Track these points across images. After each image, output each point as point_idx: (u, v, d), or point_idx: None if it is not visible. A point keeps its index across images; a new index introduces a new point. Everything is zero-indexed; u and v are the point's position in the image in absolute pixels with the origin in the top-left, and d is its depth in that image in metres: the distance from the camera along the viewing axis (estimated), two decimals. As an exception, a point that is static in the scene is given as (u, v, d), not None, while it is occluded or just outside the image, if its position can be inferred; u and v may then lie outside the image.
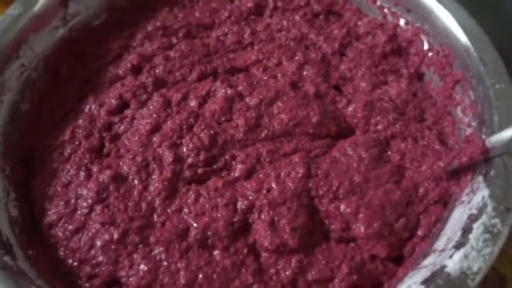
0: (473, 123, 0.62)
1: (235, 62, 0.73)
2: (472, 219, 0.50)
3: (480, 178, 0.55)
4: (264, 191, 0.58)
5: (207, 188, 0.58)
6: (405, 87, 0.70)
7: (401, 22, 0.77)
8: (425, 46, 0.74)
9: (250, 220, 0.56)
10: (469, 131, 0.63)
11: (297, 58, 0.73)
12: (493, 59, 0.64)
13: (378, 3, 0.79)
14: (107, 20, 0.77)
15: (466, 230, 0.50)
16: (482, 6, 0.72)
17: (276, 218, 0.56)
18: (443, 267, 0.47)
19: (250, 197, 0.57)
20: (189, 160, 0.60)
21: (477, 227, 0.49)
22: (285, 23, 0.79)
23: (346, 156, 0.62)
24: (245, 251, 0.54)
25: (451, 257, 0.48)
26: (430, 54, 0.73)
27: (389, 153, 0.63)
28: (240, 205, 0.57)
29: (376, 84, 0.71)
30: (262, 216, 0.56)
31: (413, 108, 0.68)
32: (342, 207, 0.57)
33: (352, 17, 0.80)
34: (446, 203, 0.59)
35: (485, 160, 0.55)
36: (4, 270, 0.46)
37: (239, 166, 0.60)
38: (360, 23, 0.79)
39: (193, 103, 0.66)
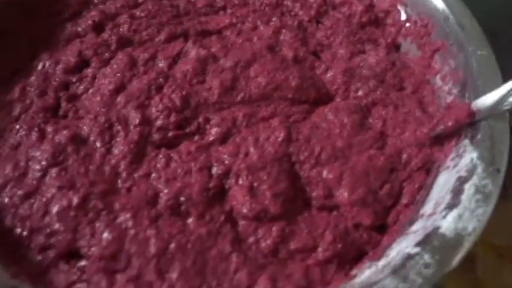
0: (454, 91, 0.61)
1: (207, 25, 0.68)
2: (462, 181, 0.48)
3: (466, 142, 0.53)
4: (242, 155, 0.53)
5: (178, 152, 0.53)
6: (383, 56, 0.68)
7: (379, -8, 0.75)
8: (403, 17, 0.72)
9: (226, 186, 0.52)
10: (449, 99, 0.61)
11: (272, 23, 0.69)
12: (472, 26, 0.62)
13: (354, -28, 0.76)
14: (64, -27, 0.69)
15: (457, 192, 0.47)
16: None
17: (255, 183, 0.51)
18: (437, 228, 0.44)
19: (226, 162, 0.53)
20: (159, 122, 0.55)
21: (468, 188, 0.47)
22: (260, -13, 0.74)
23: (327, 122, 0.58)
24: (222, 218, 0.49)
25: (444, 217, 0.45)
26: (407, 24, 0.71)
27: (370, 120, 0.60)
28: (216, 170, 0.52)
29: (354, 53, 0.68)
30: (240, 182, 0.51)
31: (393, 77, 0.66)
32: (325, 173, 0.54)
33: (328, -14, 0.77)
34: (428, 170, 0.56)
35: (470, 124, 0.54)
36: None
37: (214, 130, 0.56)
38: (336, -8, 0.76)
39: (162, 63, 0.61)
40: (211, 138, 0.55)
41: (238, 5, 0.72)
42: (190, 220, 0.48)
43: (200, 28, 0.67)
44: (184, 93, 0.57)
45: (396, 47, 0.72)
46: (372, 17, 0.73)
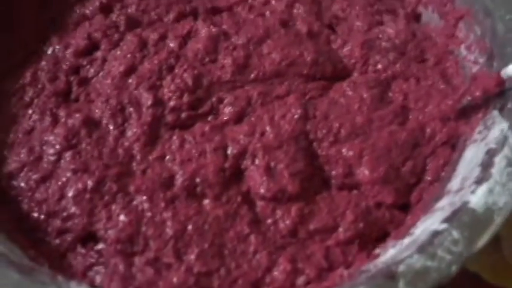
0: (481, 60, 0.57)
1: (217, 2, 0.65)
2: (492, 153, 0.46)
3: (495, 113, 0.50)
4: (257, 135, 0.52)
5: (192, 133, 0.52)
6: (403, 27, 0.65)
7: (396, -41, 0.71)
8: (423, -17, 0.68)
9: (242, 167, 0.50)
10: (475, 69, 0.58)
11: (285, -3, 0.66)
12: (500, -10, 0.59)
13: None
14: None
15: (487, 166, 0.45)
16: None
17: (272, 163, 0.50)
18: (466, 203, 0.42)
19: (241, 142, 0.51)
20: (171, 103, 0.53)
21: (499, 161, 0.44)
22: (271, -39, 0.72)
23: (346, 97, 0.56)
24: (239, 199, 0.48)
25: (473, 192, 0.43)
26: (428, -9, 0.68)
27: (391, 94, 0.58)
28: (231, 150, 0.51)
29: (372, 24, 0.65)
30: (257, 162, 0.50)
31: (414, 48, 0.63)
32: (344, 150, 0.52)
33: (342, -43, 0.74)
34: (454, 145, 0.54)
35: (499, 94, 0.51)
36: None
37: (227, 109, 0.54)
38: (350, -37, 0.73)
39: (172, 43, 0.59)
40: (225, 118, 0.54)
41: (249, -20, 0.70)
42: (206, 201, 0.48)
43: (210, 5, 0.65)
44: (196, 72, 0.55)
45: (416, 17, 0.68)
46: (390, -14, 0.70)
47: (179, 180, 0.48)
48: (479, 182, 0.44)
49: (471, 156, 0.49)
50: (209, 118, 0.54)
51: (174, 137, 0.51)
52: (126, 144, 0.50)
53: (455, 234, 0.41)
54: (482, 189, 0.42)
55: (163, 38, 0.59)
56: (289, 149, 0.51)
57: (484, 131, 0.50)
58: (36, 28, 0.61)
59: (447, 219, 0.42)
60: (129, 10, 0.62)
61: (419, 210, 0.49)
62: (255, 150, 0.51)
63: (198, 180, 0.48)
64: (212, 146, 0.50)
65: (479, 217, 0.41)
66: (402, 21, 0.65)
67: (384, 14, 0.67)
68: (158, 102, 0.53)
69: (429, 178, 0.52)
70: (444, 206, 0.45)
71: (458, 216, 0.41)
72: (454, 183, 0.48)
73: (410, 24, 0.65)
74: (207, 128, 0.52)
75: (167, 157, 0.50)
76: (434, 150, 0.53)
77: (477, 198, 0.42)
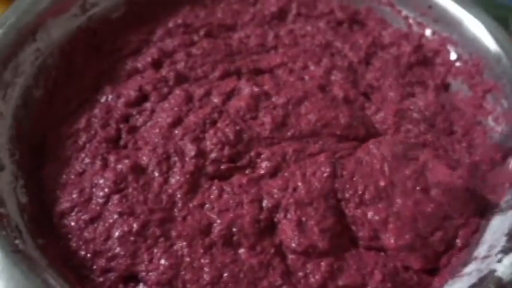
0: (508, 132, 0.60)
1: (259, 64, 0.71)
2: (517, 224, 0.48)
3: (522, 184, 0.52)
4: (290, 190, 0.54)
5: (230, 185, 0.55)
6: (433, 100, 0.68)
7: (427, 32, 0.76)
8: (453, 56, 0.72)
9: (275, 220, 0.53)
10: (503, 139, 0.60)
11: (323, 63, 0.71)
12: (527, 66, 0.63)
13: (403, 13, 0.78)
14: (125, 14, 0.74)
15: (513, 235, 0.47)
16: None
17: (303, 218, 0.52)
18: (493, 271, 0.44)
19: (275, 196, 0.54)
20: (213, 155, 0.57)
21: (525, 232, 0.46)
22: (309, 28, 0.77)
23: (370, 156, 0.58)
24: (272, 251, 0.50)
25: (500, 261, 0.44)
26: (457, 64, 0.71)
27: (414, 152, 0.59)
28: (266, 203, 0.53)
29: (404, 96, 0.68)
30: (289, 216, 0.52)
31: (443, 121, 0.66)
32: (370, 214, 0.54)
33: (375, 27, 0.79)
34: (482, 213, 0.55)
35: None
36: (16, 254, 0.42)
37: (264, 164, 0.57)
38: (384, 32, 0.78)
39: (216, 99, 0.63)
40: (261, 172, 0.56)
41: (288, 45, 0.75)
42: (242, 250, 0.50)
43: (252, 66, 0.70)
44: (237, 128, 0.59)
45: (446, 87, 0.72)
46: (421, 57, 0.74)
47: (217, 228, 0.51)
48: (506, 251, 0.45)
49: (498, 224, 0.51)
50: (247, 171, 0.57)
51: (214, 187, 0.54)
52: (170, 191, 0.53)
53: (483, 301, 0.42)
54: (509, 259, 0.44)
55: (208, 93, 0.64)
56: (319, 206, 0.53)
57: (510, 201, 0.52)
58: (91, 78, 0.67)
59: (474, 286, 0.43)
60: (178, 66, 0.68)
61: (447, 273, 0.50)
62: (287, 204, 0.53)
63: (234, 229, 0.50)
64: (249, 197, 0.53)
65: (505, 286, 0.42)
66: (432, 93, 0.69)
67: (415, 86, 0.70)
68: (201, 153, 0.57)
69: (459, 245, 0.53)
70: (472, 271, 0.47)
71: (485, 284, 0.43)
72: (481, 250, 0.49)
73: (439, 95, 0.69)
74: (244, 180, 0.55)
75: (206, 205, 0.53)
76: (467, 220, 0.54)
77: (504, 268, 0.43)
